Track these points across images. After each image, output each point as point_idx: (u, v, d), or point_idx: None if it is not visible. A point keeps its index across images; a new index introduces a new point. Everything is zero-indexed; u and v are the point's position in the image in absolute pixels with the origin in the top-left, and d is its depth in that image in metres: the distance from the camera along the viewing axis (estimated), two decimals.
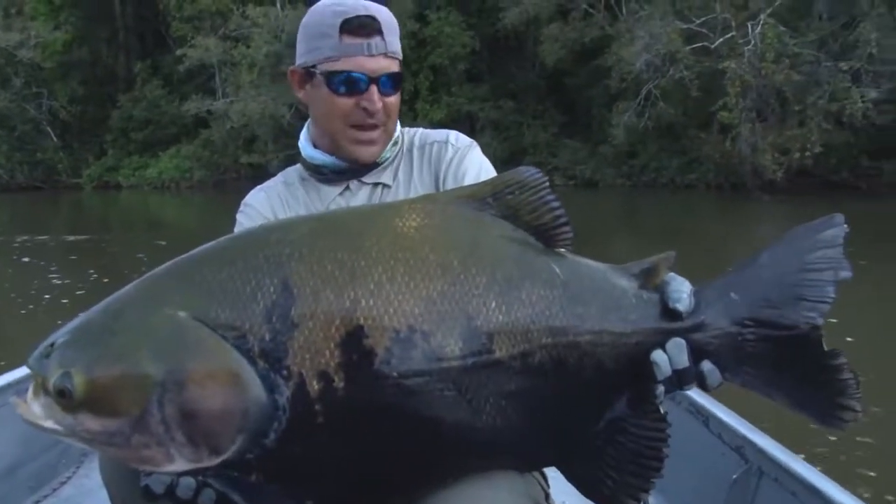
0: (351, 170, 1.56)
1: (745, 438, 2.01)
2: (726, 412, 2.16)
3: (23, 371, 2.48)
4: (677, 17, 22.43)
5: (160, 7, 35.00)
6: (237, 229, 1.53)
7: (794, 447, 1.94)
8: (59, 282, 10.17)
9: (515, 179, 1.07)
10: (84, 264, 11.89)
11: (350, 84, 1.46)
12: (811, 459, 1.85)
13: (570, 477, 1.09)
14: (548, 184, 1.08)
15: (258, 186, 1.66)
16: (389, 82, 1.48)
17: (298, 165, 1.65)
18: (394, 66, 1.49)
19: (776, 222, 17.03)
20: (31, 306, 8.63)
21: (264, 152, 30.61)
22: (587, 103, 27.44)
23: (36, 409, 0.98)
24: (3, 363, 5.41)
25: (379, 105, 1.47)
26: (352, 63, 1.45)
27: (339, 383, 0.95)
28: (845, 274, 1.05)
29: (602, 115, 26.00)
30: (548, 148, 27.77)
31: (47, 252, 13.37)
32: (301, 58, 1.52)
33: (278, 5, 30.99)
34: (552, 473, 1.21)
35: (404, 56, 1.54)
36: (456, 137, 1.59)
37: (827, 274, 1.04)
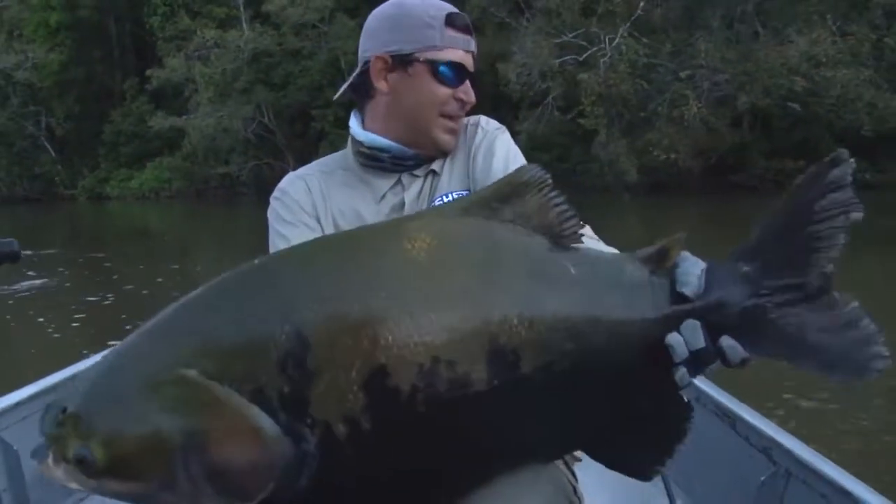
0: (414, 157, 1.54)
1: (772, 440, 1.97)
2: (753, 414, 2.12)
3: (53, 379, 2.53)
4: (556, 31, 24.23)
5: (148, 27, 37.22)
6: (272, 216, 1.55)
7: (822, 449, 1.91)
8: (58, 294, 10.75)
9: (519, 181, 1.06)
10: (74, 274, 12.60)
11: (455, 72, 1.48)
12: (839, 461, 1.81)
13: (595, 456, 1.10)
14: (551, 180, 1.06)
15: (293, 172, 1.63)
16: (471, 81, 1.52)
17: (338, 154, 1.63)
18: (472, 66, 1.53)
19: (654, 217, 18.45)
20: (38, 321, 9.01)
21: (235, 163, 32.99)
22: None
23: (59, 474, 0.97)
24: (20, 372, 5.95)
25: (472, 96, 1.51)
26: (455, 55, 1.48)
27: (366, 425, 0.94)
28: (857, 215, 0.99)
29: None
30: None
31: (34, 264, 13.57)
32: (393, 45, 1.49)
33: (244, 26, 33.13)
34: (577, 468, 1.24)
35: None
36: (486, 121, 1.60)
37: (838, 220, 0.99)
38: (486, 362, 0.96)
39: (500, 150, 1.54)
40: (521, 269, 1.02)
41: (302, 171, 1.62)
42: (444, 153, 1.56)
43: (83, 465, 0.95)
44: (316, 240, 1.38)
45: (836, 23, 21.66)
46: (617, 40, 22.93)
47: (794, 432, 2.01)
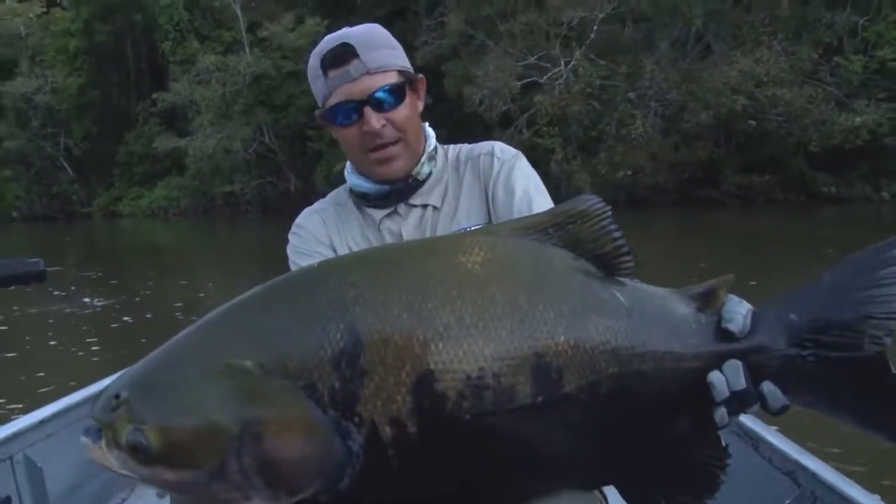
0: (395, 192, 1.55)
1: (796, 463, 1.94)
2: (776, 436, 2.10)
3: (77, 396, 2.54)
4: (521, 54, 25.09)
5: (161, 51, 38.70)
6: (290, 250, 1.58)
7: (848, 471, 1.90)
8: (78, 311, 10.78)
9: (577, 209, 1.07)
10: (93, 291, 12.68)
11: (344, 115, 1.46)
12: (866, 484, 1.79)
13: (626, 495, 1.10)
14: (610, 213, 1.07)
15: (309, 207, 1.65)
16: (385, 97, 1.46)
17: (348, 185, 1.64)
18: (385, 80, 1.46)
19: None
20: (59, 338, 9.13)
21: (239, 182, 34.36)
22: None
23: (111, 459, 0.96)
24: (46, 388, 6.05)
25: (378, 125, 1.46)
26: (340, 94, 1.46)
27: (411, 428, 0.96)
28: None
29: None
30: None
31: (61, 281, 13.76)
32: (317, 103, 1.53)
33: (246, 50, 34.54)
34: (609, 490, 1.24)
35: None
36: (501, 149, 1.58)
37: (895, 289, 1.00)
38: (530, 377, 0.98)
39: (519, 183, 1.54)
40: (570, 292, 1.04)
41: (318, 205, 1.68)
42: (398, 182, 1.56)
43: (136, 452, 0.94)
44: (374, 247, 1.50)
45: (781, 43, 22.33)
46: (572, 62, 23.90)
47: (818, 453, 1.99)
